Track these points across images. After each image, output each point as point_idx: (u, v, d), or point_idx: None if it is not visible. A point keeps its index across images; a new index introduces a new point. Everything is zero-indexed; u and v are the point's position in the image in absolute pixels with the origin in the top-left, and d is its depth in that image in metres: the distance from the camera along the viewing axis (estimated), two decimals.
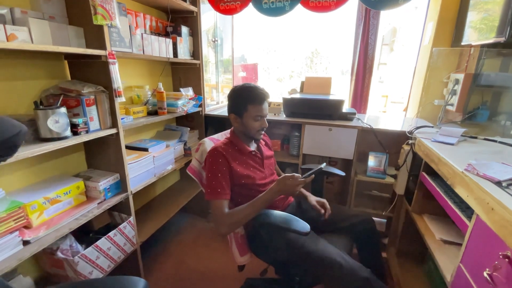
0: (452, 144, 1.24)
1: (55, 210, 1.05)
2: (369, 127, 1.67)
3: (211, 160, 1.08)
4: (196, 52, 1.80)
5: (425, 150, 1.29)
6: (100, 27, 1.06)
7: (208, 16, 2.08)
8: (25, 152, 0.87)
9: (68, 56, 1.18)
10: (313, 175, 1.08)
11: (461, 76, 1.61)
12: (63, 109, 1.00)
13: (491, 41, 1.37)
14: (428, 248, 1.16)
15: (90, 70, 1.16)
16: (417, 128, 1.51)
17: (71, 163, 1.30)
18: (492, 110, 1.70)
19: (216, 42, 2.12)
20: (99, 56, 1.09)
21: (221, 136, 1.36)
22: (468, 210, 0.98)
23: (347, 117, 1.79)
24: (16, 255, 0.87)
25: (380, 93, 4.88)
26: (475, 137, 1.37)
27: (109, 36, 1.11)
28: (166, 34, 1.64)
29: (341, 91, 2.34)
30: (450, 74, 1.73)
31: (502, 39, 1.28)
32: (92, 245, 1.13)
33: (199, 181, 1.21)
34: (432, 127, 1.54)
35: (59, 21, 1.04)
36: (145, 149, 1.49)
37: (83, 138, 1.07)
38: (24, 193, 1.02)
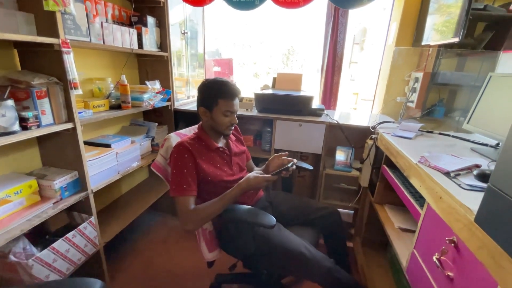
0: (410, 138, 1.32)
1: (4, 211, 0.97)
2: (336, 122, 1.72)
3: (176, 155, 1.05)
4: (163, 44, 1.74)
5: (386, 144, 1.36)
6: (52, 14, 0.98)
7: (180, 8, 2.01)
8: None
9: (18, 45, 1.08)
10: (282, 173, 1.10)
11: (420, 75, 1.71)
12: (10, 102, 0.92)
13: (447, 41, 1.47)
14: (388, 236, 1.23)
15: (42, 60, 1.07)
16: (380, 123, 1.58)
17: (24, 161, 1.20)
18: (448, 106, 1.83)
19: (186, 35, 2.06)
20: (51, 45, 1.01)
21: (189, 131, 1.33)
22: (421, 200, 1.04)
23: (316, 113, 1.83)
24: None
25: (352, 91, 5.07)
26: (431, 132, 1.47)
27: (63, 24, 1.03)
28: (131, 24, 1.56)
29: (315, 88, 2.40)
30: (411, 73, 1.83)
31: (456, 39, 1.38)
32: (48, 247, 1.06)
33: (165, 178, 1.17)
34: (393, 122, 1.62)
35: (7, 7, 0.95)
36: (108, 145, 1.41)
37: (34, 133, 0.99)
38: None
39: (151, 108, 1.59)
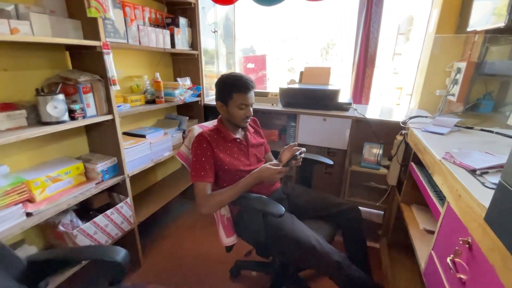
0: (442, 134, 1.21)
1: (56, 188, 1.16)
2: (362, 117, 1.65)
3: (196, 145, 1.14)
4: (194, 43, 1.86)
5: (414, 140, 1.27)
6: (95, 20, 1.14)
7: (214, 9, 2.13)
8: (27, 133, 0.97)
9: (69, 47, 1.27)
10: (292, 163, 1.12)
11: (463, 65, 1.54)
12: (61, 96, 1.10)
13: (498, 25, 1.30)
14: (410, 237, 1.16)
15: (87, 60, 1.25)
16: (411, 118, 1.47)
17: (74, 147, 1.41)
18: (498, 100, 1.62)
19: (216, 33, 2.16)
20: (94, 47, 1.17)
21: (211, 124, 1.41)
22: (445, 199, 0.97)
23: (343, 107, 1.78)
24: (20, 224, 0.99)
25: (395, 85, 4.71)
26: (471, 128, 1.32)
27: (104, 28, 1.19)
28: (165, 25, 1.70)
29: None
30: (453, 63, 1.66)
31: (501, 25, 1.22)
32: (90, 221, 1.24)
33: (188, 166, 1.28)
34: (426, 117, 1.50)
35: (59, 15, 1.13)
36: (143, 136, 1.58)
37: (80, 123, 1.17)
38: (30, 171, 1.14)
39: (181, 103, 1.73)
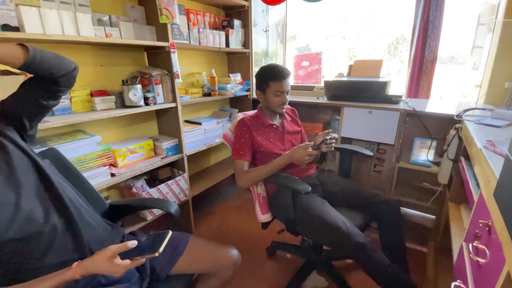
0: (498, 127, 1.10)
1: (133, 158, 1.49)
2: (412, 110, 1.57)
3: (237, 128, 1.32)
4: (247, 42, 2.05)
5: (466, 134, 1.17)
6: (165, 25, 1.43)
7: (276, 9, 2.31)
8: (114, 112, 1.30)
9: (146, 48, 1.60)
10: (322, 146, 1.18)
11: None
12: (139, 86, 1.41)
13: None
14: (451, 237, 1.09)
15: (159, 58, 1.55)
16: (466, 110, 1.34)
17: (148, 129, 1.76)
18: None
19: (267, 32, 2.32)
20: (164, 47, 1.46)
21: (253, 112, 1.57)
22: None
23: (392, 100, 1.71)
24: (106, 181, 1.33)
25: (474, 82, 4.07)
26: None
27: (171, 31, 1.47)
28: (222, 28, 1.94)
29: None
30: None
31: None
32: (155, 187, 1.55)
33: (230, 146, 1.46)
34: (484, 109, 1.34)
35: (140, 23, 1.45)
36: (199, 123, 1.84)
37: (152, 108, 1.47)
38: (115, 143, 1.49)
39: (232, 96, 1.94)
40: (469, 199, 0.96)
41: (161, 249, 0.69)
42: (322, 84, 1.97)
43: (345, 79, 1.90)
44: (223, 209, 2.18)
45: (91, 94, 1.32)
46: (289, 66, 2.73)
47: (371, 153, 1.44)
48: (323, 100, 1.97)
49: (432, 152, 1.61)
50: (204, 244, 0.98)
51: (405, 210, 2.03)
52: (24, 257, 0.67)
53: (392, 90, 1.92)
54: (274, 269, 1.57)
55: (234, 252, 0.98)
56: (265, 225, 1.42)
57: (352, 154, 1.52)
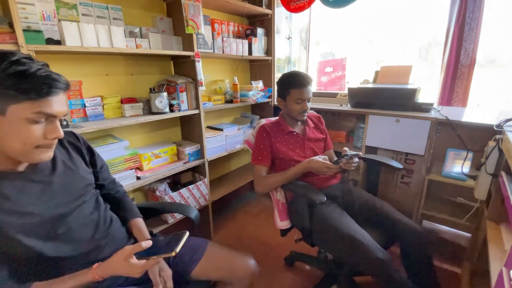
0: None
1: (157, 162, 1.55)
2: (445, 119, 1.47)
3: (257, 134, 1.33)
4: (269, 49, 2.07)
5: (508, 146, 1.07)
6: (191, 35, 1.48)
7: (302, 16, 2.31)
8: (141, 119, 1.37)
9: (173, 57, 1.68)
10: (341, 163, 1.12)
11: None
12: (165, 94, 1.47)
13: None
14: (488, 259, 0.99)
15: (184, 66, 1.62)
16: (508, 120, 1.23)
17: (172, 134, 1.83)
18: None
19: (290, 40, 2.32)
20: (189, 56, 1.52)
21: (268, 121, 1.54)
22: None
23: (422, 108, 1.62)
24: (132, 184, 1.39)
25: None
26: None
27: (197, 41, 1.52)
28: (245, 36, 1.97)
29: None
30: None
31: None
32: (177, 192, 1.59)
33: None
34: None
35: (167, 34, 1.53)
36: (221, 129, 1.88)
37: (176, 114, 1.53)
38: (141, 148, 1.56)
39: (253, 103, 1.96)
40: (511, 218, 0.87)
41: (177, 249, 0.69)
42: (346, 91, 1.92)
43: (370, 86, 1.83)
44: (242, 215, 2.18)
45: (121, 101, 1.40)
46: (312, 72, 2.70)
47: (400, 166, 1.36)
48: (347, 107, 1.91)
49: (467, 164, 1.49)
50: (222, 252, 0.98)
51: (436, 225, 1.89)
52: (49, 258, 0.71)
53: (422, 97, 1.81)
54: (291, 281, 1.53)
55: (252, 262, 0.97)
56: (284, 232, 1.40)
57: (380, 166, 1.45)
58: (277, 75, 2.20)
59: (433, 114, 1.59)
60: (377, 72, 1.98)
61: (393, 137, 1.68)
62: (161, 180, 1.60)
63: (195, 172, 1.82)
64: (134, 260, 0.68)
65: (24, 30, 0.96)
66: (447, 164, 1.56)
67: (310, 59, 2.61)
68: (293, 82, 1.24)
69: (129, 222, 0.93)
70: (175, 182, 1.79)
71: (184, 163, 1.65)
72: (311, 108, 1.48)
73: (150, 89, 1.47)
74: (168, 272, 0.84)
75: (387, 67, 1.95)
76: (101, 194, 0.90)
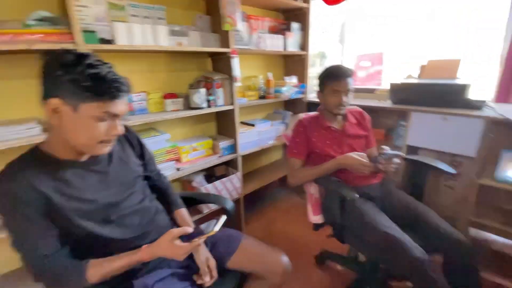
0: None
1: (195, 154, 1.63)
2: (502, 117, 1.32)
3: (295, 128, 1.33)
4: (304, 44, 2.03)
5: None
6: (228, 32, 1.51)
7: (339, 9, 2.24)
8: (181, 113, 1.44)
9: (211, 54, 1.73)
10: (380, 163, 1.08)
11: None
12: (203, 90, 1.53)
13: None
14: None
15: (221, 63, 1.66)
16: None
17: (208, 129, 1.89)
18: None
19: (326, 33, 2.25)
20: (225, 53, 1.55)
21: (306, 115, 1.50)
22: None
23: (472, 104, 1.48)
24: (172, 174, 1.48)
25: None
26: None
27: (234, 38, 1.55)
28: (281, 30, 1.96)
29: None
30: None
31: None
32: (212, 183, 1.66)
33: None
34: None
35: (206, 31, 1.57)
36: (253, 125, 1.90)
37: (213, 109, 1.58)
38: (181, 141, 1.64)
39: (286, 99, 1.94)
40: None
41: (217, 228, 0.75)
42: (384, 87, 1.83)
43: (416, 81, 1.72)
44: (272, 210, 2.20)
45: (164, 97, 1.48)
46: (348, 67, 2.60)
47: (453, 171, 1.25)
48: (386, 104, 1.81)
49: None
50: (256, 246, 1.00)
51: (484, 234, 1.72)
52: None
53: (473, 93, 1.66)
54: (322, 280, 1.51)
55: (285, 259, 0.97)
56: (316, 227, 1.38)
57: (428, 170, 1.33)
58: (311, 71, 2.15)
59: (486, 112, 1.44)
60: (423, 66, 1.84)
61: (439, 137, 1.56)
62: (197, 172, 1.67)
63: (228, 166, 1.87)
64: (179, 242, 0.73)
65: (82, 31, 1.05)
66: (502, 167, 1.42)
67: (345, 53, 2.51)
68: (330, 74, 1.22)
69: (173, 212, 1.00)
70: (210, 174, 1.85)
71: (219, 156, 1.71)
72: (353, 104, 1.42)
73: (190, 85, 1.53)
74: (213, 262, 0.89)
75: (434, 61, 1.80)
76: (148, 185, 0.97)
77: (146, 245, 0.76)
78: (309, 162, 1.32)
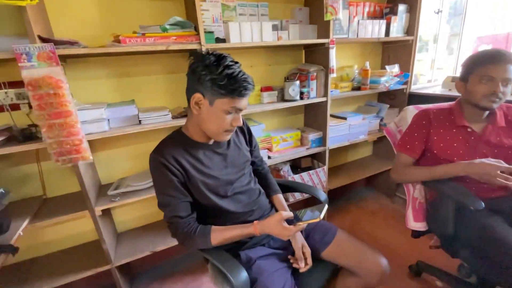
0: None
1: (284, 145, 1.69)
2: None
3: (415, 118, 1.16)
4: (411, 28, 1.79)
5: None
6: (328, 22, 1.47)
7: None
8: (276, 105, 1.51)
9: (305, 46, 1.73)
10: None
11: None
12: (297, 82, 1.55)
13: None
14: None
15: (316, 54, 1.64)
16: None
17: (296, 121, 1.93)
18: None
19: (440, 14, 1.92)
20: (323, 44, 1.52)
21: (434, 106, 1.25)
22: None
23: None
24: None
25: None
26: None
27: (333, 27, 1.50)
28: (383, 16, 1.78)
29: None
30: None
31: None
32: (299, 174, 1.69)
33: (392, 143, 1.36)
34: None
35: (304, 23, 1.57)
36: (344, 118, 1.82)
37: (305, 102, 1.59)
38: (273, 131, 1.73)
39: (385, 90, 1.78)
40: None
41: (321, 215, 0.78)
42: None
43: None
44: (356, 210, 2.09)
45: (261, 89, 1.57)
46: (467, 52, 2.18)
47: None
48: None
49: None
50: (352, 241, 0.99)
51: None
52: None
53: None
54: None
55: (384, 261, 0.93)
56: (416, 234, 1.26)
57: None
58: (418, 56, 1.89)
59: None
60: None
61: None
62: (285, 162, 1.73)
63: (314, 158, 1.87)
64: (286, 224, 0.80)
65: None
66: None
67: (464, 35, 2.10)
68: (483, 58, 0.98)
69: (271, 196, 1.08)
70: (295, 165, 1.89)
71: (306, 148, 1.72)
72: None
73: (285, 77, 1.58)
74: (308, 249, 0.93)
75: None
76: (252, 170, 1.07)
77: (257, 221, 0.85)
78: (419, 162, 1.17)
